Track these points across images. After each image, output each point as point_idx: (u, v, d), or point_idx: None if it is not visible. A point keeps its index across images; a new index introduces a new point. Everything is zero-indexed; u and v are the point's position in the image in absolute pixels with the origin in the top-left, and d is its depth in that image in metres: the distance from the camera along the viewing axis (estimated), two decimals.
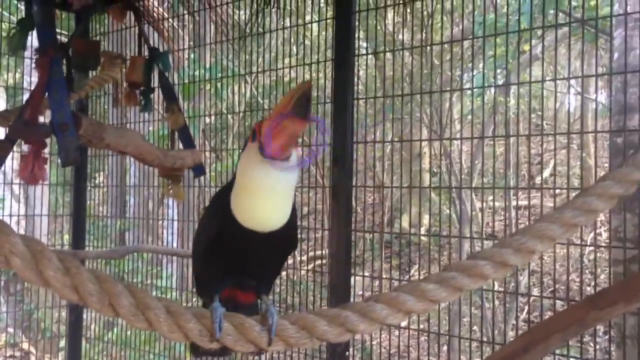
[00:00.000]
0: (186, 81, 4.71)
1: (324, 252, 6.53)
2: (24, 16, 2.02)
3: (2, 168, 7.14)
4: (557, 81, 3.87)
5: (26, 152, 1.78)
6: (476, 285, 1.48)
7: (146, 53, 2.49)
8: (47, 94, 1.78)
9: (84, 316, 4.72)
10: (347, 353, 2.89)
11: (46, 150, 2.84)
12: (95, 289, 1.26)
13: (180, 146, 2.39)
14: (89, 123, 1.78)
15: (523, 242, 1.48)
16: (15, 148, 2.94)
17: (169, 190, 2.30)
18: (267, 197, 1.41)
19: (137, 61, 2.43)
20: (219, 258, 1.54)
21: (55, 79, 1.75)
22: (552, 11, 3.35)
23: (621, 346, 2.92)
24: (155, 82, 2.51)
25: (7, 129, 1.92)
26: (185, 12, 4.36)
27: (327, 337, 1.38)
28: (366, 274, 3.74)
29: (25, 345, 7.22)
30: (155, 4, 3.75)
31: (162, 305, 1.31)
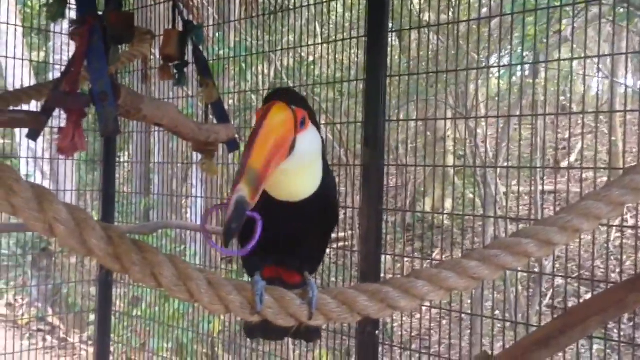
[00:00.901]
0: (211, 60, 4.70)
1: (344, 234, 6.52)
2: None
3: (28, 144, 7.20)
4: (586, 64, 3.79)
5: (63, 125, 1.78)
6: (519, 263, 1.45)
7: (179, 27, 2.47)
8: (86, 63, 1.78)
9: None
10: (377, 332, 2.89)
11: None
12: (138, 258, 1.25)
13: (214, 121, 2.38)
14: (128, 93, 1.77)
15: (569, 220, 1.44)
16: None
17: (203, 165, 2.30)
18: (291, 169, 1.40)
19: (171, 34, 2.41)
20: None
21: (95, 47, 1.75)
22: None
23: None
24: (189, 56, 2.50)
25: (45, 100, 1.93)
26: None
27: (368, 313, 1.36)
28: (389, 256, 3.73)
29: (52, 320, 7.37)
30: None
31: (203, 277, 1.30)
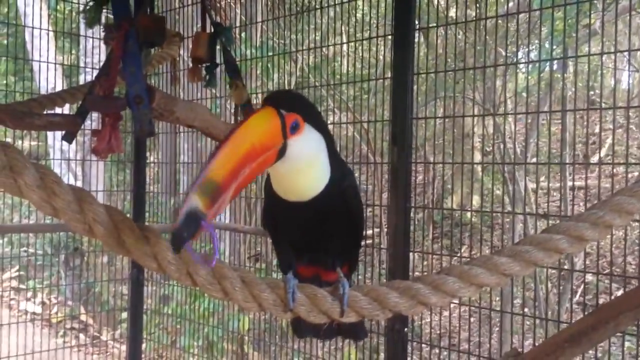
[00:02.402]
0: (237, 60, 4.73)
1: (374, 231, 6.52)
2: None
3: (60, 145, 7.32)
4: (617, 58, 3.73)
5: (99, 127, 1.83)
6: (551, 259, 1.45)
7: (209, 29, 2.51)
8: (121, 67, 1.82)
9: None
10: (405, 329, 2.89)
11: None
12: (173, 257, 1.29)
13: None
14: (161, 96, 1.81)
15: (601, 216, 1.44)
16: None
17: None
18: (291, 172, 1.45)
19: (201, 37, 2.45)
20: (280, 232, 1.62)
21: (130, 52, 1.79)
22: None
23: None
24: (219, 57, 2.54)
25: (82, 101, 1.98)
26: None
27: (399, 309, 1.38)
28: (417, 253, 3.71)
29: (84, 318, 7.51)
30: None
31: (237, 275, 1.33)
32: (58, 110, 2.74)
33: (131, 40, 1.81)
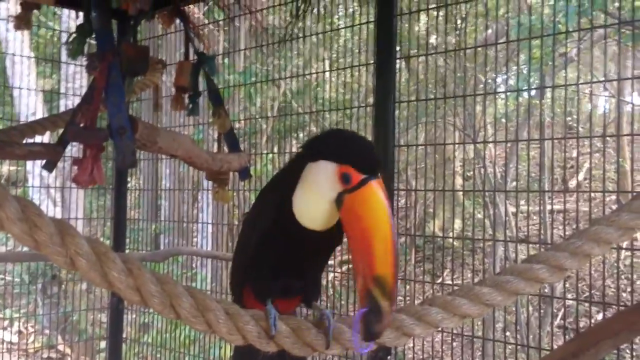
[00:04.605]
0: (220, 86, 4.75)
1: (349, 256, 6.51)
2: (82, 22, 2.08)
3: (39, 172, 7.23)
4: (593, 84, 3.81)
5: (80, 157, 1.81)
6: (532, 289, 1.46)
7: (192, 58, 2.52)
8: (104, 98, 1.82)
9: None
10: (388, 357, 2.88)
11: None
12: (157, 290, 1.28)
13: (226, 149, 2.42)
14: (144, 127, 1.81)
15: (579, 246, 1.46)
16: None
17: (216, 194, 2.33)
18: (327, 208, 1.43)
19: (184, 65, 2.46)
20: (269, 256, 1.56)
21: (113, 82, 1.79)
22: (592, 13, 3.31)
23: None
24: (201, 86, 2.55)
25: (63, 132, 1.97)
26: (223, 17, 4.41)
27: (384, 341, 1.38)
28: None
29: (62, 347, 7.35)
30: (196, 10, 3.80)
31: (221, 307, 1.32)
32: (38, 138, 2.72)
33: (114, 71, 1.82)
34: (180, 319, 1.29)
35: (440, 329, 1.47)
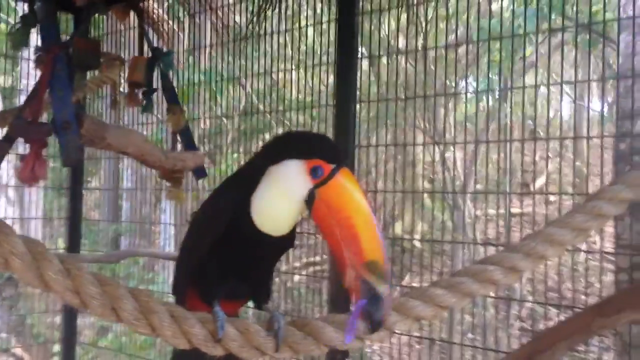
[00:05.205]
0: (183, 85, 4.68)
1: (315, 258, 6.49)
2: (26, 13, 2.00)
3: None
4: (553, 88, 3.85)
5: (25, 153, 1.74)
6: (486, 290, 1.45)
7: (148, 53, 2.46)
8: (49, 91, 1.75)
9: (77, 322, 4.65)
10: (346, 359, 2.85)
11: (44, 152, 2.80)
12: (97, 292, 1.22)
13: (181, 148, 2.36)
14: (91, 122, 1.75)
15: (533, 247, 1.45)
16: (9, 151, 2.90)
17: (170, 193, 2.27)
18: (293, 209, 1.41)
19: (138, 61, 2.40)
20: (219, 258, 1.50)
21: (59, 76, 1.72)
22: (553, 17, 3.35)
23: (624, 356, 2.89)
24: (156, 82, 2.48)
25: (7, 127, 1.89)
26: (185, 14, 4.33)
27: (335, 344, 1.35)
28: None
29: (17, 351, 7.14)
30: (155, 5, 3.72)
31: (165, 310, 1.27)
32: None
33: (59, 64, 1.74)
34: (122, 322, 1.24)
35: (394, 331, 1.45)
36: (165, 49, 2.67)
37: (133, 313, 1.24)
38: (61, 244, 5.08)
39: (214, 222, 1.48)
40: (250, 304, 1.62)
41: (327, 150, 1.38)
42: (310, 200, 1.35)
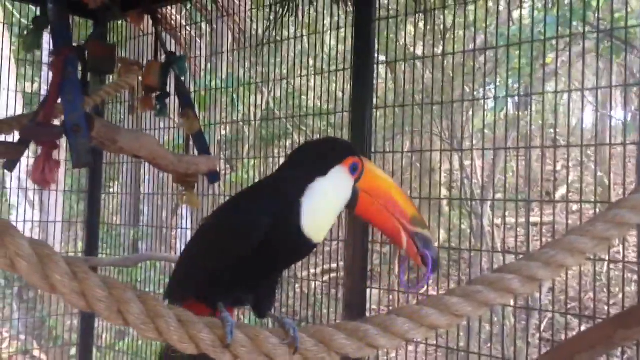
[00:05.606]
0: (202, 91, 4.69)
1: (332, 265, 6.46)
2: (38, 15, 2.01)
3: (17, 174, 7.15)
4: (575, 96, 3.80)
5: (38, 155, 1.74)
6: (503, 300, 1.41)
7: (163, 58, 2.46)
8: (60, 94, 1.74)
9: (96, 325, 4.68)
10: None
11: (62, 156, 2.82)
12: (104, 295, 1.20)
13: (196, 152, 2.35)
14: (102, 125, 1.74)
15: (552, 256, 1.40)
16: (30, 154, 2.92)
17: (183, 197, 2.26)
18: (337, 213, 1.56)
19: (153, 65, 2.40)
20: (235, 269, 1.48)
21: (69, 79, 1.72)
22: (575, 23, 3.29)
23: None
24: (171, 87, 2.48)
25: (20, 130, 1.90)
26: (203, 20, 4.35)
27: (346, 351, 1.31)
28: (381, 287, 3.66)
29: (36, 353, 7.20)
30: (174, 11, 3.74)
31: (173, 314, 1.25)
32: (4, 137, 2.63)
33: (70, 67, 1.74)
34: (129, 325, 1.22)
35: (408, 340, 1.41)
36: (179, 54, 2.66)
37: (140, 317, 1.22)
38: (81, 247, 5.12)
39: (246, 237, 1.44)
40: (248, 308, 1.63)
41: (349, 146, 1.57)
42: (354, 197, 1.49)
